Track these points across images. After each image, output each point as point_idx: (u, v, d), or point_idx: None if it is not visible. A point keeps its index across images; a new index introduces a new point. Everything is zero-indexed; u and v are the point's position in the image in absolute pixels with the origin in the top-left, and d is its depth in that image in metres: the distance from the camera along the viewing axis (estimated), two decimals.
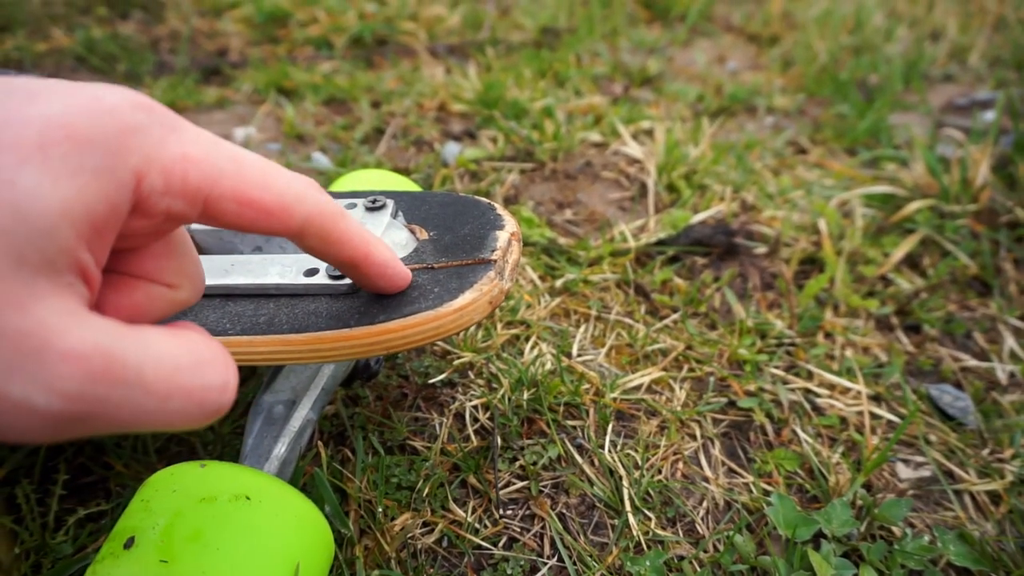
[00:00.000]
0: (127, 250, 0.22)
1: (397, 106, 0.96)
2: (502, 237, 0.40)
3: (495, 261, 0.38)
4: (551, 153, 0.86)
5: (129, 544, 0.32)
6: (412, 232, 0.43)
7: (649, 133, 0.93)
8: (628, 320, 0.62)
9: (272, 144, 0.85)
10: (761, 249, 0.73)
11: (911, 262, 0.73)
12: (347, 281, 0.38)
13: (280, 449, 0.41)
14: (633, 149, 0.86)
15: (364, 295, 0.38)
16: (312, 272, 0.39)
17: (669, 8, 1.46)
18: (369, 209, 0.43)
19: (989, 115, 1.02)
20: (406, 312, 0.36)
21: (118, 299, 0.22)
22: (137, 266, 0.22)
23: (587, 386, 0.54)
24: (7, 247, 0.16)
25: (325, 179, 0.78)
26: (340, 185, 0.58)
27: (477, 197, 0.45)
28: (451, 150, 0.84)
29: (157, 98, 0.92)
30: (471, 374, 0.54)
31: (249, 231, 0.23)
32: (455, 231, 0.42)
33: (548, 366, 0.55)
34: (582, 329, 0.61)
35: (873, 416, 0.55)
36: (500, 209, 0.43)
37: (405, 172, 0.81)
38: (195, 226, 0.45)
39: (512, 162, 0.84)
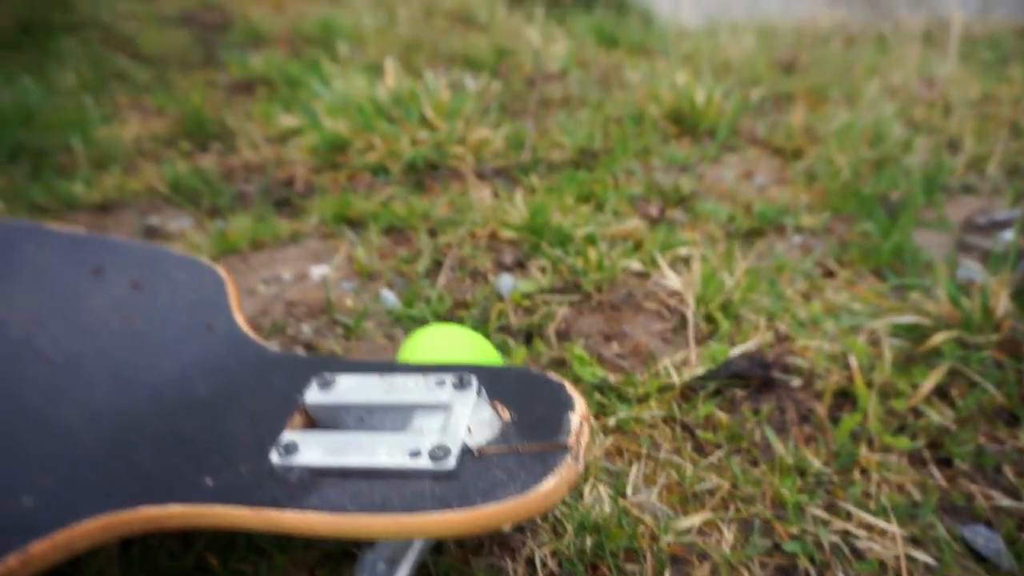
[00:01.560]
0: None
1: (452, 236, 1.06)
2: (575, 421, 0.47)
3: (571, 447, 0.45)
4: (596, 284, 0.93)
5: None
6: (495, 410, 0.50)
7: (686, 261, 1.00)
8: (676, 458, 0.68)
9: (346, 283, 0.94)
10: (796, 382, 0.79)
11: (940, 392, 0.78)
12: (447, 467, 0.45)
13: None
14: (672, 281, 0.93)
15: (462, 477, 0.45)
16: (415, 453, 0.46)
17: (697, 123, 1.56)
18: (456, 387, 0.51)
19: (1008, 235, 1.08)
20: (499, 496, 0.43)
21: None
22: None
23: (643, 529, 0.60)
24: None
25: (392, 319, 0.86)
26: (412, 350, 0.65)
27: (549, 375, 0.52)
28: (505, 283, 0.93)
29: (237, 236, 1.03)
30: (538, 519, 0.60)
31: None
32: (532, 411, 0.49)
33: (606, 508, 0.61)
34: (634, 468, 0.66)
35: (909, 559, 0.59)
36: (569, 388, 0.50)
37: (464, 306, 0.89)
38: (308, 399, 0.53)
39: (561, 294, 0.92)
